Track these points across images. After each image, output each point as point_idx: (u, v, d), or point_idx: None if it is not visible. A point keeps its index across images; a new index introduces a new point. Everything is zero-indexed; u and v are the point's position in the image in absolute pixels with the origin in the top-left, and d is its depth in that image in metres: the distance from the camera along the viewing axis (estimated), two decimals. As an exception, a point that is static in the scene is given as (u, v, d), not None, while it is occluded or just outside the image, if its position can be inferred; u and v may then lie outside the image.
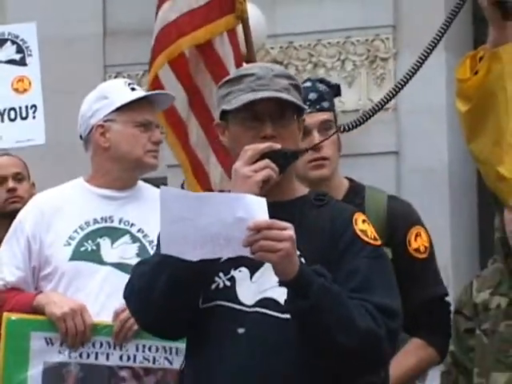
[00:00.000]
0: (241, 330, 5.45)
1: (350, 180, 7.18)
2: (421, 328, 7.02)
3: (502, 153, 5.49)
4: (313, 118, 6.84)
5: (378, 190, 7.29)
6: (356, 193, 7.05)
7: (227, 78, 6.03)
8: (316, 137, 6.95)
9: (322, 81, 7.18)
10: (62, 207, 7.54)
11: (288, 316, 5.31)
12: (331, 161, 6.97)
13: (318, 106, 6.90)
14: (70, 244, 7.37)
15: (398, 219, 6.98)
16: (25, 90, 9.70)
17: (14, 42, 9.80)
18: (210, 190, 7.43)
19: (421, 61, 5.60)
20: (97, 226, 7.35)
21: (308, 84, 7.02)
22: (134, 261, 6.43)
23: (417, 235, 6.94)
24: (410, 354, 6.99)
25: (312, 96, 6.87)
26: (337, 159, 7.08)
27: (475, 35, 9.12)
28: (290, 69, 8.91)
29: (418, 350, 6.99)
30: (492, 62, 5.42)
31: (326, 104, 6.94)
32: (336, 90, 7.24)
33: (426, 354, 7.02)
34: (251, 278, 5.48)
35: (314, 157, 6.95)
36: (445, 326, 7.18)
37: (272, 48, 10.98)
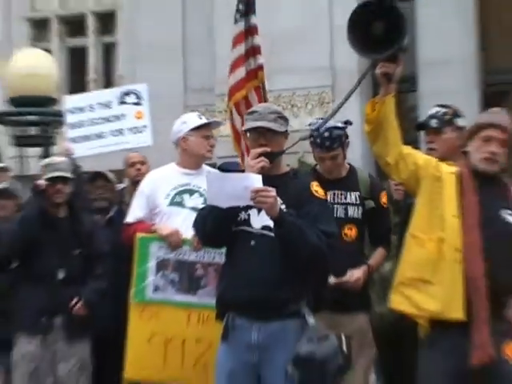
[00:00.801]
0: (252, 243, 5.65)
1: (349, 164, 7.17)
2: (383, 242, 7.10)
3: (388, 151, 5.70)
4: (327, 154, 6.88)
5: (362, 170, 7.40)
6: (352, 171, 7.11)
7: (247, 111, 6.28)
8: (327, 164, 6.97)
9: (337, 127, 6.90)
10: (164, 178, 7.57)
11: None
12: (337, 168, 7.04)
13: (330, 149, 6.85)
14: (167, 197, 7.41)
15: (376, 187, 7.08)
16: (140, 118, 9.79)
17: (135, 93, 9.93)
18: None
19: (345, 101, 5.67)
20: (182, 188, 7.39)
21: (326, 134, 6.83)
22: (200, 207, 6.47)
23: (384, 195, 7.06)
24: (379, 255, 7.07)
25: (327, 143, 6.82)
26: (341, 164, 7.09)
27: (374, 90, 9.02)
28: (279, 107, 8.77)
29: (382, 253, 7.05)
30: (382, 105, 5.58)
31: (335, 145, 6.85)
32: (347, 126, 7.03)
33: (384, 254, 7.07)
34: (258, 214, 5.61)
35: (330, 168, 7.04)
36: (390, 240, 7.21)
37: (269, 97, 10.90)
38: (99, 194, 8.56)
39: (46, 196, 7.69)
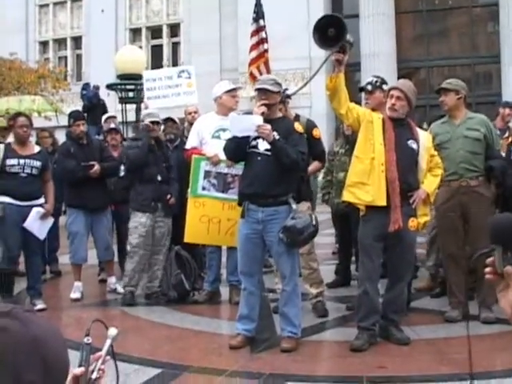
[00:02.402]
0: (259, 158, 5.51)
1: (296, 114, 6.86)
2: (317, 158, 6.83)
3: (341, 106, 5.58)
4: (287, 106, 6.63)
5: (304, 116, 7.00)
6: (296, 117, 6.71)
7: (258, 78, 6.19)
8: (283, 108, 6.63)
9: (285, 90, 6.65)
10: (208, 121, 7.42)
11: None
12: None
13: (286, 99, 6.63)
14: (210, 133, 7.29)
15: (310, 125, 6.70)
16: (190, 87, 9.78)
17: (187, 71, 10.02)
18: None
19: (313, 76, 5.65)
20: (219, 127, 7.21)
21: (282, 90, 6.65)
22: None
23: (315, 131, 6.72)
24: (314, 165, 6.83)
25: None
26: (285, 114, 6.51)
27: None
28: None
29: (316, 164, 6.84)
30: (336, 78, 5.43)
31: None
32: (284, 92, 6.77)
33: (318, 165, 6.92)
34: (262, 141, 5.46)
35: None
36: (323, 157, 7.08)
37: (272, 74, 10.95)
38: (170, 131, 8.44)
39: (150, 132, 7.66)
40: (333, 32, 5.26)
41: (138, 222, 7.51)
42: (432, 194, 5.85)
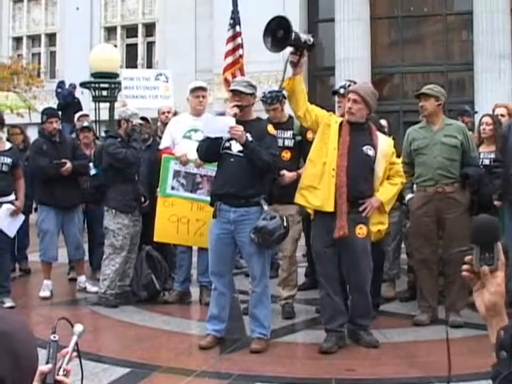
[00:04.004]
0: (232, 160, 5.50)
1: (289, 114, 6.73)
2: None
3: (299, 108, 5.60)
4: (270, 107, 6.75)
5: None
6: (290, 118, 6.71)
7: (233, 80, 6.35)
8: (271, 114, 6.76)
9: (274, 91, 6.77)
10: (180, 122, 7.44)
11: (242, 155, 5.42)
12: (278, 116, 6.78)
13: (271, 104, 6.71)
14: (182, 134, 7.29)
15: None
16: (167, 91, 9.85)
17: (164, 75, 10.17)
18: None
19: (283, 77, 5.57)
20: (190, 128, 7.24)
21: (269, 95, 6.75)
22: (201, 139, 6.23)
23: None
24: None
25: (269, 101, 6.70)
26: (280, 114, 6.82)
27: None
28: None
29: None
30: (293, 81, 5.46)
31: (274, 101, 6.70)
32: (281, 90, 6.63)
33: None
34: (236, 143, 5.46)
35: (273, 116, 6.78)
36: None
37: (247, 76, 11.03)
38: (143, 130, 8.36)
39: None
40: (281, 34, 5.20)
41: (122, 223, 7.38)
42: (387, 202, 5.77)
